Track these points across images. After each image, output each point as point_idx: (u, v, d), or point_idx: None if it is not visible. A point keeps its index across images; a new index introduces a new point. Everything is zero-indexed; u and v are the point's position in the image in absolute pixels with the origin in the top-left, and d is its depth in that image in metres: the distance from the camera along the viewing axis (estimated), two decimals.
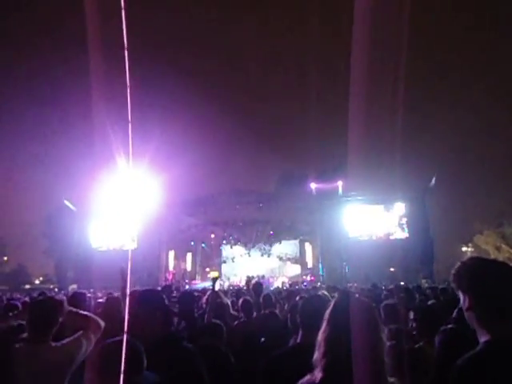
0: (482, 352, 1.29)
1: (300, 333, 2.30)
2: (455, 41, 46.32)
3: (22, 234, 38.62)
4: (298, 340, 2.27)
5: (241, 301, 4.72)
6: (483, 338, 1.31)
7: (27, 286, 30.42)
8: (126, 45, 1.16)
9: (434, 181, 22.89)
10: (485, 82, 43.78)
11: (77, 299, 3.55)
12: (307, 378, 1.41)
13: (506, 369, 1.22)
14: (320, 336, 1.44)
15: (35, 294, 8.51)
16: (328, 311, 1.50)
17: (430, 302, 4.44)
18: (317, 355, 1.41)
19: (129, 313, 1.80)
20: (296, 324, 2.71)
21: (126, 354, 1.41)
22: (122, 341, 1.47)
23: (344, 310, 1.44)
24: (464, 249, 36.40)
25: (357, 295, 1.62)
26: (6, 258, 42.33)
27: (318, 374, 1.36)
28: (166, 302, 2.34)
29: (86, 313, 2.61)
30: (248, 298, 4.92)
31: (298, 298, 4.74)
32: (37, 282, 37.57)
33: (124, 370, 1.36)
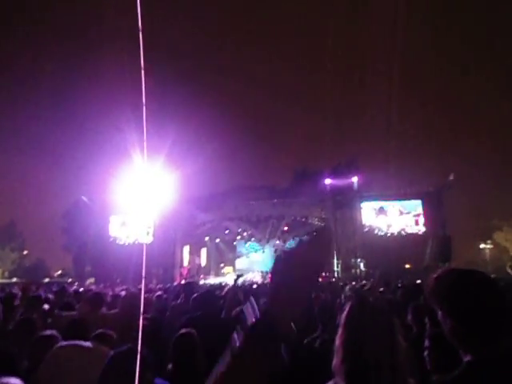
0: (462, 374, 1.18)
1: None
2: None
3: (41, 228, 39.58)
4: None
5: None
6: (466, 358, 1.20)
7: (46, 280, 31.14)
8: (141, 41, 1.15)
9: (452, 176, 22.48)
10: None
11: (96, 300, 3.77)
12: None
13: None
14: (337, 341, 1.43)
15: (54, 288, 8.70)
16: (343, 316, 1.49)
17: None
18: (336, 361, 1.40)
19: None
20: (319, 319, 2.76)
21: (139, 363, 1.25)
22: (130, 350, 1.38)
23: (359, 315, 1.44)
24: (482, 246, 35.65)
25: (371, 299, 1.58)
26: (25, 252, 43.49)
27: (340, 381, 1.35)
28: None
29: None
30: None
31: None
32: (55, 275, 38.40)
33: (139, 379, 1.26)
